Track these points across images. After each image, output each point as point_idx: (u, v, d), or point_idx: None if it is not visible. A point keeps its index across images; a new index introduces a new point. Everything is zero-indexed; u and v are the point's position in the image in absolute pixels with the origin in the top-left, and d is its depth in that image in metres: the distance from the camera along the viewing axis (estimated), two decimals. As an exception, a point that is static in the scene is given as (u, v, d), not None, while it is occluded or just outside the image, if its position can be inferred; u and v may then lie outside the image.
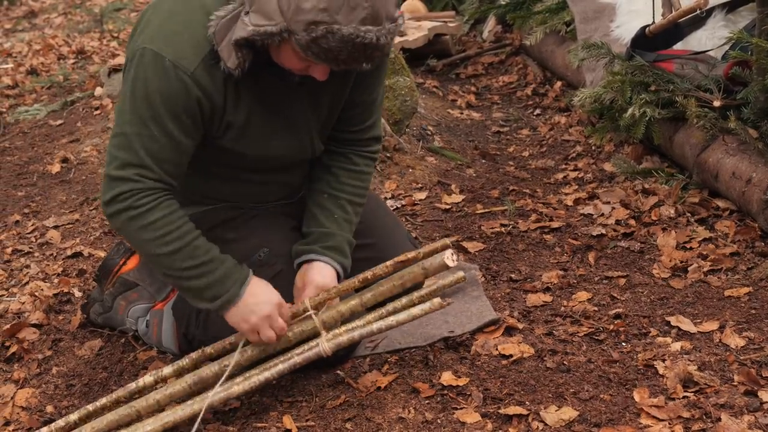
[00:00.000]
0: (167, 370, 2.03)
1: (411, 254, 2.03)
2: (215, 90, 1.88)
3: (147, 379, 2.03)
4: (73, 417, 2.00)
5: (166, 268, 1.95)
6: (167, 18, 1.88)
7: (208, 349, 2.04)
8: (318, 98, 2.04)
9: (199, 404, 1.95)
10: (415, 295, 2.03)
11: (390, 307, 2.04)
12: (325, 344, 1.99)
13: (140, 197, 1.89)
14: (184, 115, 1.87)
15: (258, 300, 1.95)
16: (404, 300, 2.03)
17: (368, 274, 2.02)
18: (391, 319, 2.00)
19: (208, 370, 2.00)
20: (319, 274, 2.06)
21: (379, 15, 1.71)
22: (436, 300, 2.00)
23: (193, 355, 2.04)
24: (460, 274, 2.07)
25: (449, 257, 1.99)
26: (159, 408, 1.99)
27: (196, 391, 2.00)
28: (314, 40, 1.70)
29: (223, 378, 1.97)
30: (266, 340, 1.97)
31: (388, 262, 2.01)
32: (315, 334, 2.00)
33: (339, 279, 2.08)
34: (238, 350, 2.00)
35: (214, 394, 1.96)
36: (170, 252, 1.91)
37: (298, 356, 1.99)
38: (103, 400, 2.01)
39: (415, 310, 2.01)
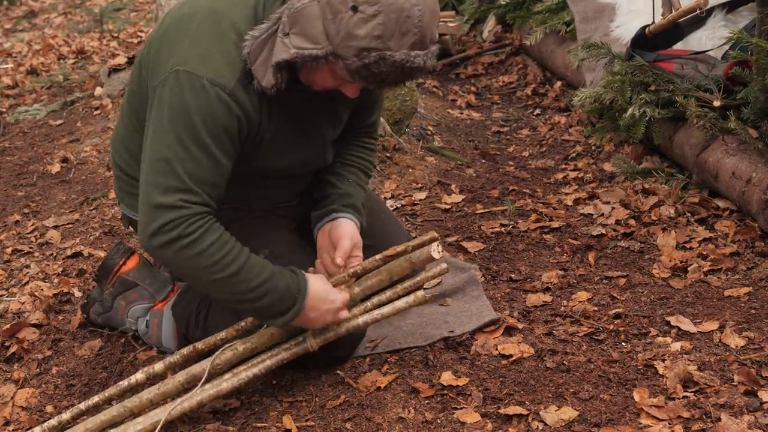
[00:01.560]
0: (158, 366, 2.04)
1: (399, 247, 2.06)
2: (252, 108, 1.88)
3: (139, 376, 2.03)
4: (66, 416, 2.00)
5: (229, 293, 1.90)
6: (197, 38, 1.85)
7: (199, 345, 2.04)
8: (333, 109, 2.06)
9: (189, 402, 1.96)
10: (399, 287, 2.07)
11: (375, 300, 2.07)
12: (311, 339, 2.00)
13: (189, 224, 1.83)
14: (224, 135, 1.85)
15: (318, 308, 1.95)
16: (388, 293, 2.07)
17: (358, 267, 2.04)
18: (376, 313, 2.04)
19: (199, 368, 2.00)
20: (347, 228, 2.09)
21: (426, 39, 1.75)
22: (420, 293, 2.04)
23: (184, 351, 2.04)
24: (444, 265, 2.09)
25: (435, 249, 2.01)
26: (152, 407, 1.99)
27: (189, 389, 2.00)
28: (365, 66, 1.73)
29: (203, 380, 1.98)
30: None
31: (377, 256, 2.04)
32: (302, 329, 2.02)
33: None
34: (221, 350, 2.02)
35: (202, 392, 1.97)
36: (230, 275, 1.86)
37: (285, 351, 2.01)
38: (96, 399, 2.01)
39: (400, 303, 2.04)
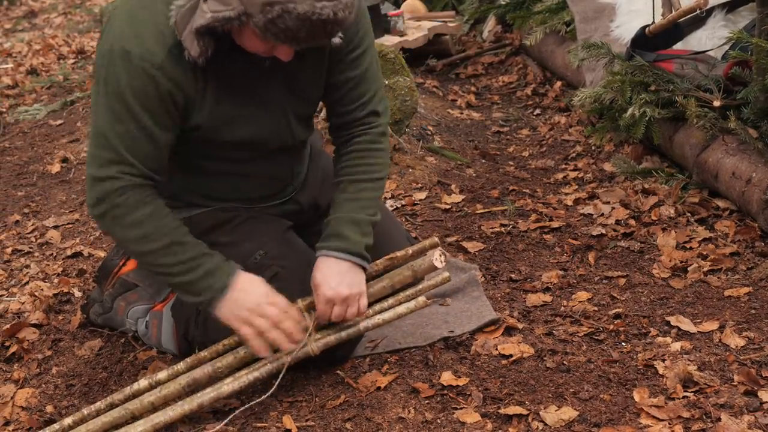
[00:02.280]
0: (162, 375, 2.03)
1: (399, 253, 2.08)
2: (185, 80, 1.88)
3: (142, 383, 2.03)
4: (68, 421, 2.00)
5: (154, 266, 1.96)
6: (131, 14, 1.88)
7: (204, 353, 2.04)
8: (294, 80, 2.03)
9: (189, 404, 1.96)
10: (402, 295, 2.08)
11: (377, 306, 2.08)
12: (313, 344, 2.00)
13: (126, 195, 1.90)
14: (158, 109, 1.88)
15: (244, 293, 1.95)
16: (390, 300, 2.08)
17: (367, 273, 2.06)
18: (378, 318, 2.05)
19: (201, 372, 2.01)
20: (314, 278, 2.03)
21: None
22: (421, 298, 2.05)
23: (188, 360, 2.05)
24: (446, 274, 2.11)
25: (437, 258, 2.02)
26: (153, 409, 1.99)
27: (190, 393, 2.01)
28: (271, 21, 1.70)
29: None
30: (265, 336, 1.95)
31: (378, 261, 2.05)
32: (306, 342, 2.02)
33: (354, 262, 2.04)
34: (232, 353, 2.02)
35: (202, 395, 1.98)
36: (157, 249, 1.92)
37: (286, 356, 2.00)
38: (99, 404, 2.01)
39: (401, 309, 2.06)
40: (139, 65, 1.83)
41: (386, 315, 2.05)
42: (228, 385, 1.98)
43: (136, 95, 1.85)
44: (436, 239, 2.13)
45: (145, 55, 1.83)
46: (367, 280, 2.07)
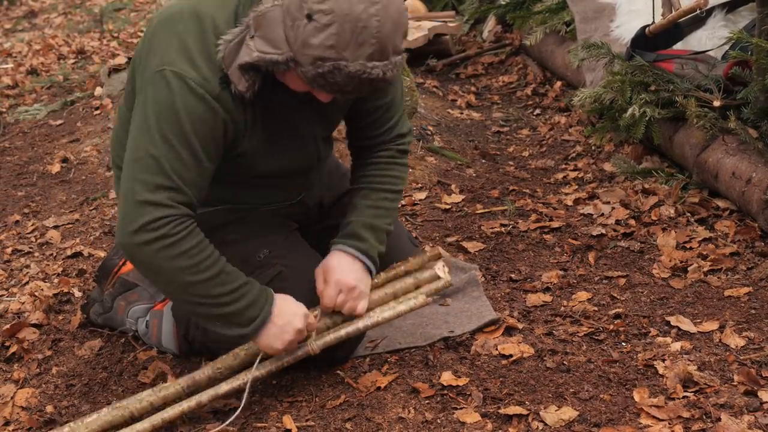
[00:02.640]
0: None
1: (402, 266, 2.11)
2: (237, 112, 1.87)
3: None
4: (66, 430, 2.00)
5: (200, 296, 1.88)
6: (183, 39, 1.84)
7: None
8: (323, 110, 2.04)
9: (188, 403, 1.96)
10: (402, 297, 2.09)
11: (377, 308, 2.08)
12: (313, 343, 2.01)
13: (176, 224, 1.83)
14: (209, 138, 1.85)
15: (285, 320, 1.94)
16: (391, 303, 2.09)
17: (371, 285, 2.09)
18: (378, 316, 2.05)
19: (201, 374, 2.01)
20: (327, 263, 2.05)
21: (386, 50, 1.71)
22: (421, 297, 2.06)
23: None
24: (448, 278, 2.11)
25: (440, 269, 2.03)
26: (152, 410, 1.99)
27: (189, 394, 2.01)
28: (321, 75, 1.71)
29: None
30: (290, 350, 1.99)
31: (381, 273, 2.10)
32: (306, 336, 2.02)
33: (365, 264, 2.06)
34: (255, 365, 2.01)
35: (200, 394, 1.98)
36: (205, 279, 1.86)
37: (286, 355, 2.00)
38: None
39: (402, 307, 2.06)
40: (197, 91, 1.81)
41: (386, 313, 2.05)
42: (228, 384, 1.98)
43: (193, 121, 1.81)
44: (440, 250, 2.15)
45: (204, 83, 1.81)
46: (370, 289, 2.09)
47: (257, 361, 2.00)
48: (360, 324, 2.04)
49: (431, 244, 2.86)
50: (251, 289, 1.92)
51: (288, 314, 1.94)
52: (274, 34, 1.73)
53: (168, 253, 1.82)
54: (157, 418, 1.95)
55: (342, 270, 2.03)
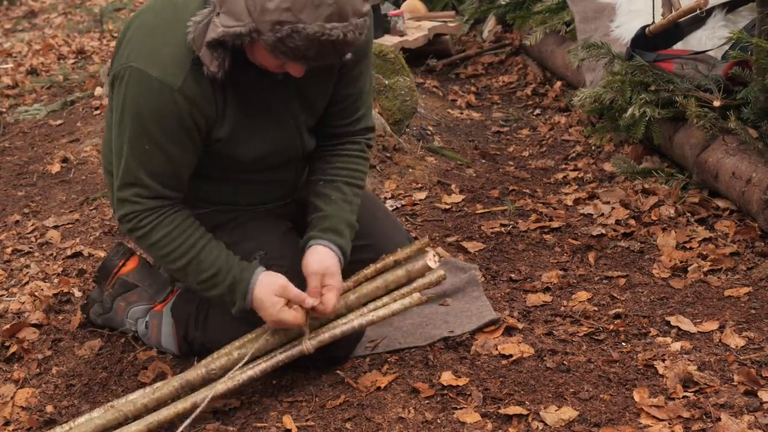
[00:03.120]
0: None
1: (390, 257, 2.10)
2: (205, 100, 1.88)
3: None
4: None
5: (184, 281, 2.07)
6: (149, 33, 1.88)
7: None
8: (306, 94, 2.04)
9: (182, 404, 1.96)
10: (396, 293, 2.08)
11: (371, 305, 2.07)
12: (307, 342, 2.01)
13: (141, 218, 1.96)
14: (177, 130, 1.89)
15: (261, 309, 1.98)
16: (385, 299, 2.08)
17: (360, 276, 2.09)
18: (372, 315, 2.05)
19: (194, 373, 2.01)
20: (313, 258, 2.04)
21: (344, 11, 1.71)
22: (416, 295, 2.05)
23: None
24: (441, 272, 2.09)
25: (431, 259, 2.02)
26: (146, 412, 1.99)
27: (183, 395, 2.00)
28: (280, 40, 1.71)
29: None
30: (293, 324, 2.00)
31: (370, 267, 2.10)
32: (300, 334, 2.03)
33: (340, 261, 2.06)
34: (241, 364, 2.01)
35: (195, 394, 1.98)
36: (180, 267, 1.99)
37: (281, 353, 2.01)
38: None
39: (395, 306, 2.05)
40: (157, 88, 1.83)
41: (380, 312, 2.04)
42: (223, 384, 1.97)
43: (155, 117, 1.86)
44: (427, 239, 2.14)
45: (165, 78, 1.83)
46: (360, 282, 2.09)
47: (242, 362, 1.99)
48: (355, 322, 2.03)
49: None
50: (225, 278, 1.98)
51: (260, 306, 1.98)
52: (237, 7, 1.74)
53: (142, 243, 2.00)
54: (152, 419, 1.94)
55: (339, 275, 2.05)
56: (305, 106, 2.07)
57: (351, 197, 2.15)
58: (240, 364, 1.98)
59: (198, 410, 1.93)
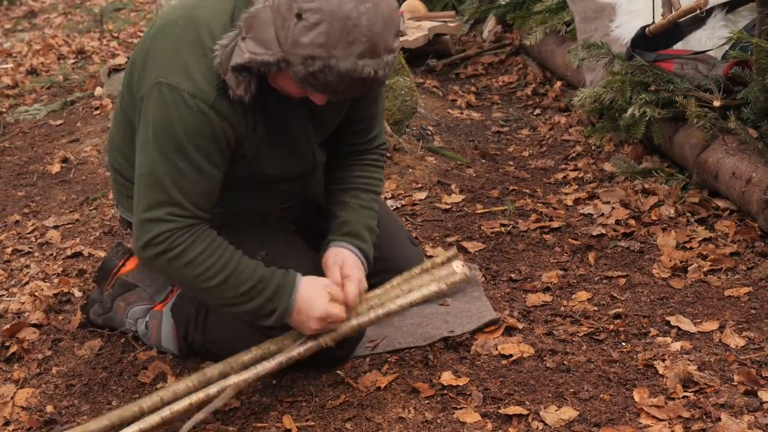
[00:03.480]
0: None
1: (416, 269, 2.09)
2: (236, 118, 1.87)
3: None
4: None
5: (218, 299, 1.96)
6: (177, 47, 1.85)
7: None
8: (319, 115, 2.05)
9: (197, 396, 1.95)
10: (415, 283, 2.06)
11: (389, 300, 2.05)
12: (326, 335, 1.99)
13: (176, 237, 1.88)
14: (210, 147, 1.86)
15: (308, 306, 1.93)
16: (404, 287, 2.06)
17: (386, 285, 2.08)
18: (390, 305, 2.01)
19: (213, 370, 1.99)
20: (329, 254, 2.05)
21: (377, 48, 1.70)
22: (433, 285, 2.01)
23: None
24: (466, 272, 2.07)
25: (458, 266, 2.01)
26: (162, 406, 1.98)
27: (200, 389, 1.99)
28: (311, 74, 1.70)
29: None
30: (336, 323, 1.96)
31: (395, 279, 2.07)
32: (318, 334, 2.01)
33: (362, 262, 2.06)
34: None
35: (212, 386, 1.96)
36: (218, 284, 1.91)
37: (300, 346, 1.98)
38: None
39: (415, 295, 2.01)
40: (192, 103, 1.81)
41: (399, 301, 2.01)
42: (238, 375, 1.95)
43: (189, 134, 1.83)
44: (455, 250, 2.14)
45: (198, 93, 1.81)
46: (385, 289, 2.09)
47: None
48: (372, 314, 2.00)
49: (431, 245, 2.86)
50: (268, 284, 1.93)
51: (306, 307, 1.93)
52: (265, 34, 1.72)
53: (175, 264, 1.89)
54: (166, 411, 1.94)
55: (359, 269, 2.03)
56: (318, 127, 2.08)
57: (369, 203, 2.16)
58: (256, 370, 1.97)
59: (219, 399, 1.92)
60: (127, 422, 1.93)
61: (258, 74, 1.80)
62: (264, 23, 1.73)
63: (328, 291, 1.95)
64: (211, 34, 1.84)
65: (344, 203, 2.15)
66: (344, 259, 2.03)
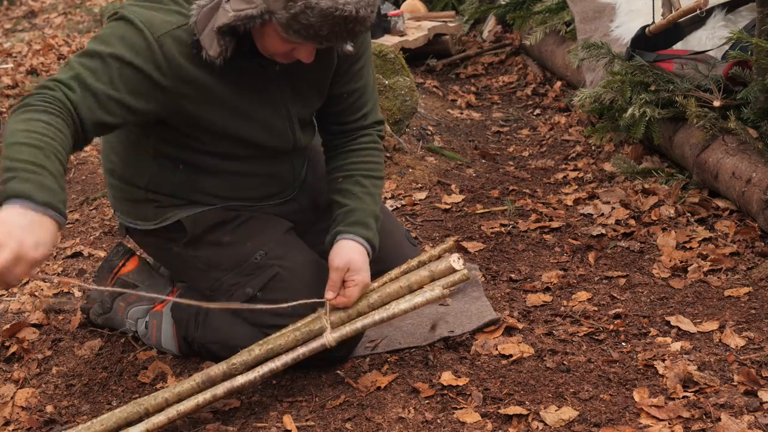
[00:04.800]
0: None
1: (413, 261, 2.10)
2: (176, 63, 1.85)
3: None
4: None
5: None
6: (151, 5, 1.89)
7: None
8: (298, 86, 2.04)
9: (203, 396, 1.95)
10: (418, 289, 2.07)
11: (393, 302, 2.06)
12: (329, 336, 1.99)
13: (39, 97, 1.73)
14: (131, 70, 1.82)
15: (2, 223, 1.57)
16: (407, 296, 2.06)
17: (384, 278, 2.10)
18: (394, 308, 2.02)
19: (216, 369, 1.99)
20: (337, 252, 2.04)
21: None
22: (438, 288, 2.02)
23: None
24: (465, 272, 2.08)
25: (456, 260, 2.02)
26: (167, 406, 1.98)
27: (204, 390, 1.99)
28: (294, 17, 1.71)
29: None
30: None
31: (392, 271, 2.09)
32: (322, 331, 2.02)
33: (368, 253, 2.07)
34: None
35: (216, 387, 1.96)
36: (10, 143, 1.66)
37: (302, 347, 1.99)
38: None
39: (418, 299, 2.02)
40: (141, 27, 1.82)
41: (402, 305, 2.02)
42: (243, 376, 1.95)
43: (121, 43, 1.81)
44: (452, 241, 2.15)
45: (150, 26, 1.83)
46: (384, 283, 2.10)
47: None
48: (376, 316, 2.01)
49: (431, 245, 2.87)
50: (9, 180, 1.60)
51: (7, 223, 1.57)
52: None
53: (14, 115, 1.72)
54: (172, 411, 1.94)
55: (366, 271, 2.03)
56: (298, 98, 2.07)
57: (372, 189, 2.16)
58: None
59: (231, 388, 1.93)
60: (133, 422, 1.94)
61: (243, 36, 1.81)
62: None
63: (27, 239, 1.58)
64: None
65: (347, 191, 2.13)
66: (351, 262, 2.02)
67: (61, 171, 1.67)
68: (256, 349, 2.01)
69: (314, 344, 1.99)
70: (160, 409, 1.97)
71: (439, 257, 2.14)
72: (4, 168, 1.62)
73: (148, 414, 1.96)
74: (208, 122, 1.98)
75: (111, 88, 1.81)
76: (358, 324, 2.02)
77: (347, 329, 2.01)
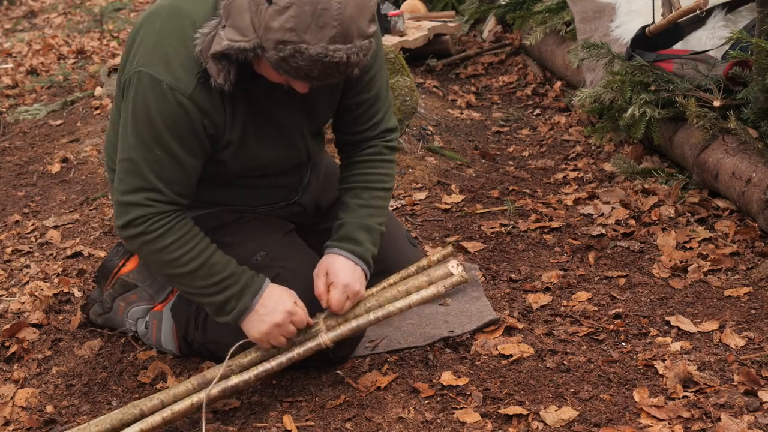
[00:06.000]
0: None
1: (412, 268, 2.10)
2: (214, 108, 1.88)
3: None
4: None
5: (186, 287, 2.00)
6: (160, 38, 1.87)
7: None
8: (309, 104, 2.04)
9: (198, 396, 1.95)
10: (412, 284, 2.07)
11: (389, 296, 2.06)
12: (324, 336, 1.99)
13: (153, 222, 1.91)
14: (188, 137, 1.88)
15: (268, 309, 1.96)
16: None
17: (384, 284, 2.10)
18: (390, 307, 2.02)
19: (212, 372, 1.99)
20: (320, 262, 2.07)
21: (349, 33, 1.70)
22: (433, 287, 2.02)
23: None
24: (464, 275, 2.08)
25: (454, 267, 2.02)
26: (162, 408, 1.98)
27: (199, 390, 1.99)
28: (283, 59, 1.70)
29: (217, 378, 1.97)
30: (276, 345, 1.99)
31: (392, 277, 2.10)
32: (318, 333, 2.02)
33: (357, 265, 2.06)
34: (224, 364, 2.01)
35: (213, 387, 1.96)
36: (188, 272, 1.95)
37: (299, 348, 1.99)
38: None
39: (414, 297, 2.02)
40: (170, 95, 1.83)
41: (399, 303, 2.02)
42: (238, 376, 1.96)
43: (166, 123, 1.85)
44: (451, 248, 2.15)
45: (176, 85, 1.83)
46: (383, 288, 2.09)
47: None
48: (372, 316, 2.02)
49: (431, 245, 2.87)
50: (237, 280, 1.96)
51: (270, 305, 1.96)
52: (242, 21, 1.73)
53: (150, 248, 1.94)
54: (167, 411, 1.94)
55: (346, 272, 2.03)
56: (309, 116, 2.08)
57: (370, 201, 2.14)
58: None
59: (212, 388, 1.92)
60: (128, 423, 1.94)
61: (239, 62, 1.81)
62: (241, 9, 1.74)
63: (294, 302, 1.97)
64: (193, 23, 1.86)
65: (344, 204, 2.15)
66: (329, 266, 2.04)
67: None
68: (254, 352, 2.01)
69: (311, 344, 2.00)
70: (155, 412, 1.97)
71: (438, 263, 2.14)
72: (223, 281, 1.96)
73: (144, 416, 1.96)
74: (231, 151, 1.99)
75: (182, 168, 1.92)
76: (354, 323, 2.02)
77: (344, 328, 2.02)
